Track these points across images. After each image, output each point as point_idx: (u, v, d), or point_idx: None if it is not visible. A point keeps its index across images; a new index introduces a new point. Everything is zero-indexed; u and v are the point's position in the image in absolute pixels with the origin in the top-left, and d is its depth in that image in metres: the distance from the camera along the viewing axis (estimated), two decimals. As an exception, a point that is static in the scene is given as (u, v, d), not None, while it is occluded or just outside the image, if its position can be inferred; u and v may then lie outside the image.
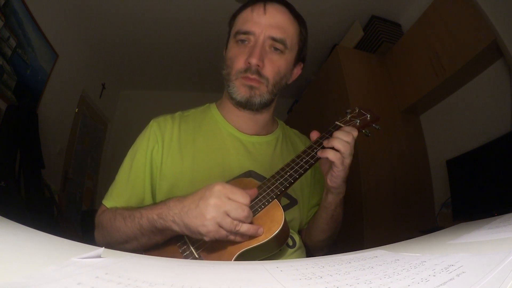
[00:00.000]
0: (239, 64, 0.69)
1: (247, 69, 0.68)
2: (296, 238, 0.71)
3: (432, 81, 1.87)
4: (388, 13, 2.35)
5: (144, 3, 2.26)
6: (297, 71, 0.80)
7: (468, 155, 1.68)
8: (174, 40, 2.71)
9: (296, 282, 0.27)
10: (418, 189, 2.04)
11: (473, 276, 0.23)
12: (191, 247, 0.56)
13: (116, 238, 0.61)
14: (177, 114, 0.79)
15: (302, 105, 3.11)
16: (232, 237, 0.51)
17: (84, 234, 2.20)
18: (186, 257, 0.55)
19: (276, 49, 0.70)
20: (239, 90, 0.70)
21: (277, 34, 0.69)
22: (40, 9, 1.99)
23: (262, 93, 0.70)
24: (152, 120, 0.77)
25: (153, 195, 0.71)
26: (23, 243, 0.34)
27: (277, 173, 0.61)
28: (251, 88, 0.69)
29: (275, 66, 0.70)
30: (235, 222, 0.49)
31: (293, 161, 0.63)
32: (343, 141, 0.59)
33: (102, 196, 0.71)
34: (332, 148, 0.59)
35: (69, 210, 2.52)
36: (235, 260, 0.52)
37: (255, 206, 0.56)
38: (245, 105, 0.71)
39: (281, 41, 0.69)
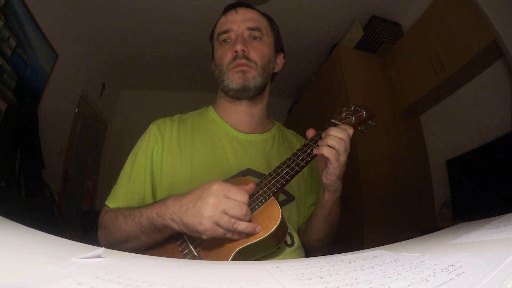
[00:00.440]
0: (227, 57, 0.76)
1: (235, 57, 0.74)
2: (295, 237, 0.71)
3: (432, 81, 1.87)
4: (388, 13, 2.35)
5: (144, 3, 2.26)
6: (281, 60, 0.87)
7: (468, 155, 1.68)
8: (174, 40, 2.71)
9: (296, 282, 0.27)
10: (418, 189, 2.04)
11: (473, 276, 0.23)
12: (190, 245, 0.57)
13: (118, 237, 0.63)
14: (176, 116, 0.83)
15: (302, 105, 3.11)
16: (229, 235, 0.52)
17: (84, 234, 2.20)
18: (185, 255, 0.56)
19: (255, 37, 0.78)
20: (233, 78, 0.75)
21: (251, 24, 0.78)
22: (40, 9, 1.99)
23: (254, 76, 0.75)
24: (151, 123, 0.80)
25: (154, 195, 0.73)
26: (23, 243, 0.34)
27: (274, 171, 0.62)
28: (243, 72, 0.74)
29: (259, 50, 0.77)
30: (233, 220, 0.50)
31: (289, 158, 0.64)
32: (337, 138, 0.60)
33: (102, 196, 0.72)
34: (327, 145, 0.60)
35: (69, 210, 2.51)
36: (234, 257, 0.52)
37: (253, 204, 0.56)
38: (242, 92, 0.75)
39: (257, 29, 0.78)
